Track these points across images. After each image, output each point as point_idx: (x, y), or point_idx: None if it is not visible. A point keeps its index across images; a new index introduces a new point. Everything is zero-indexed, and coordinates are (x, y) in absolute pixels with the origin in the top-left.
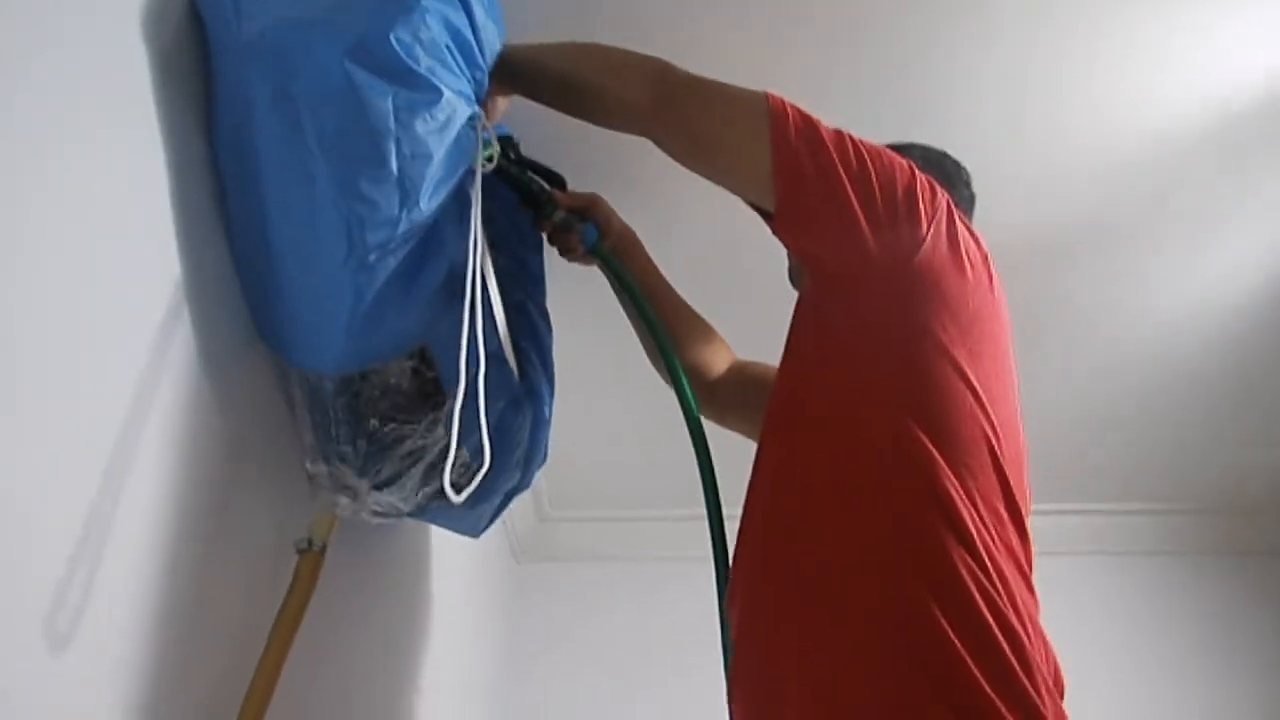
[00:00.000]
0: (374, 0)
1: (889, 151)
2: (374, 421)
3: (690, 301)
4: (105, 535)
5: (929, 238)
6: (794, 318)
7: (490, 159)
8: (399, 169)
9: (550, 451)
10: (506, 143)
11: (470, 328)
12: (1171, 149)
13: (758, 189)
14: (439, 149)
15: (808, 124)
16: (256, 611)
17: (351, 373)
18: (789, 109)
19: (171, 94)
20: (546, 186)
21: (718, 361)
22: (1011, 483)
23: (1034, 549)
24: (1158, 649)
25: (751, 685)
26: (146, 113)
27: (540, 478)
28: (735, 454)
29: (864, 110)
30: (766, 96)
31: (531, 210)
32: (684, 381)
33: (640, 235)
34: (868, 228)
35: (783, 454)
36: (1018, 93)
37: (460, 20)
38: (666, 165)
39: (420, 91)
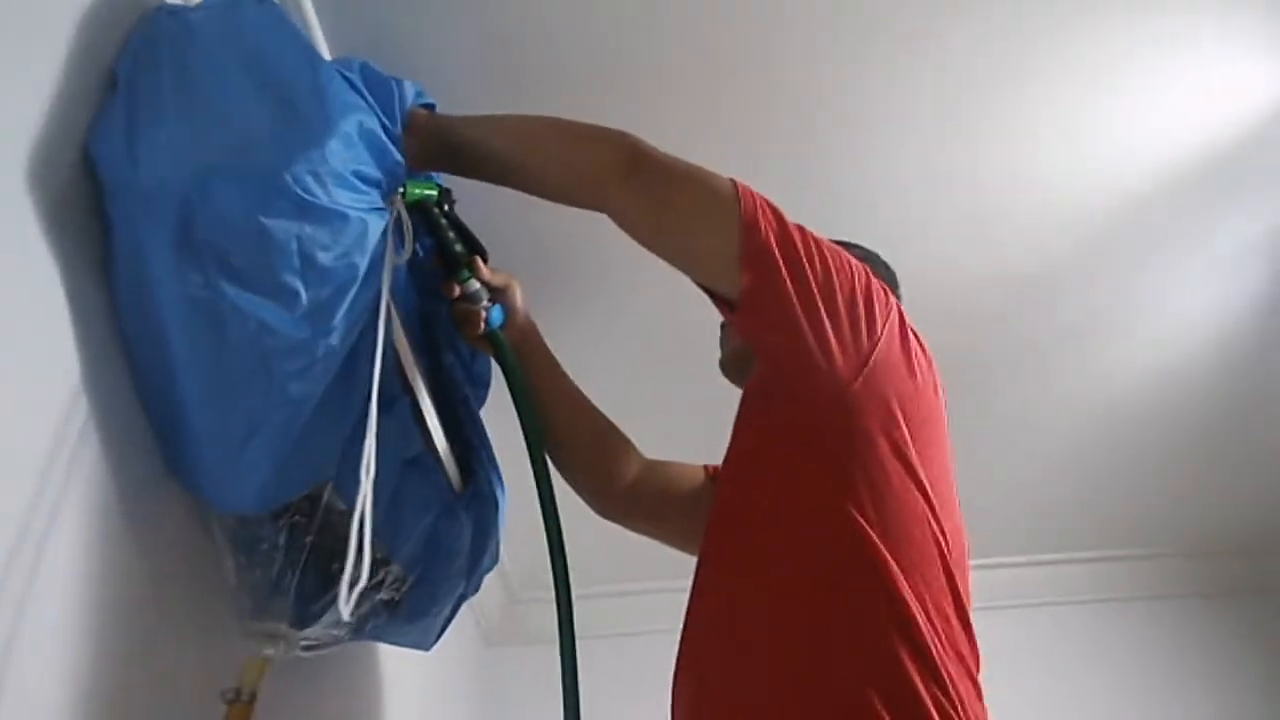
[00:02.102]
0: (271, 139)
1: (844, 252)
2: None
3: (634, 389)
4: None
5: (883, 341)
6: (741, 410)
7: (411, 249)
8: (309, 300)
9: (516, 534)
10: (442, 194)
11: (371, 434)
12: (1137, 188)
13: (719, 275)
14: (354, 270)
15: (778, 218)
16: None
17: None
18: (758, 199)
19: (65, 242)
20: (465, 251)
21: (628, 467)
22: (959, 586)
23: (1004, 602)
24: (1138, 693)
25: None
26: (39, 262)
27: (507, 560)
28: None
29: (800, 159)
30: (734, 183)
31: (444, 269)
32: (548, 480)
33: (578, 322)
34: (830, 328)
35: (731, 551)
36: (986, 135)
37: (370, 122)
38: (611, 252)
39: (325, 223)
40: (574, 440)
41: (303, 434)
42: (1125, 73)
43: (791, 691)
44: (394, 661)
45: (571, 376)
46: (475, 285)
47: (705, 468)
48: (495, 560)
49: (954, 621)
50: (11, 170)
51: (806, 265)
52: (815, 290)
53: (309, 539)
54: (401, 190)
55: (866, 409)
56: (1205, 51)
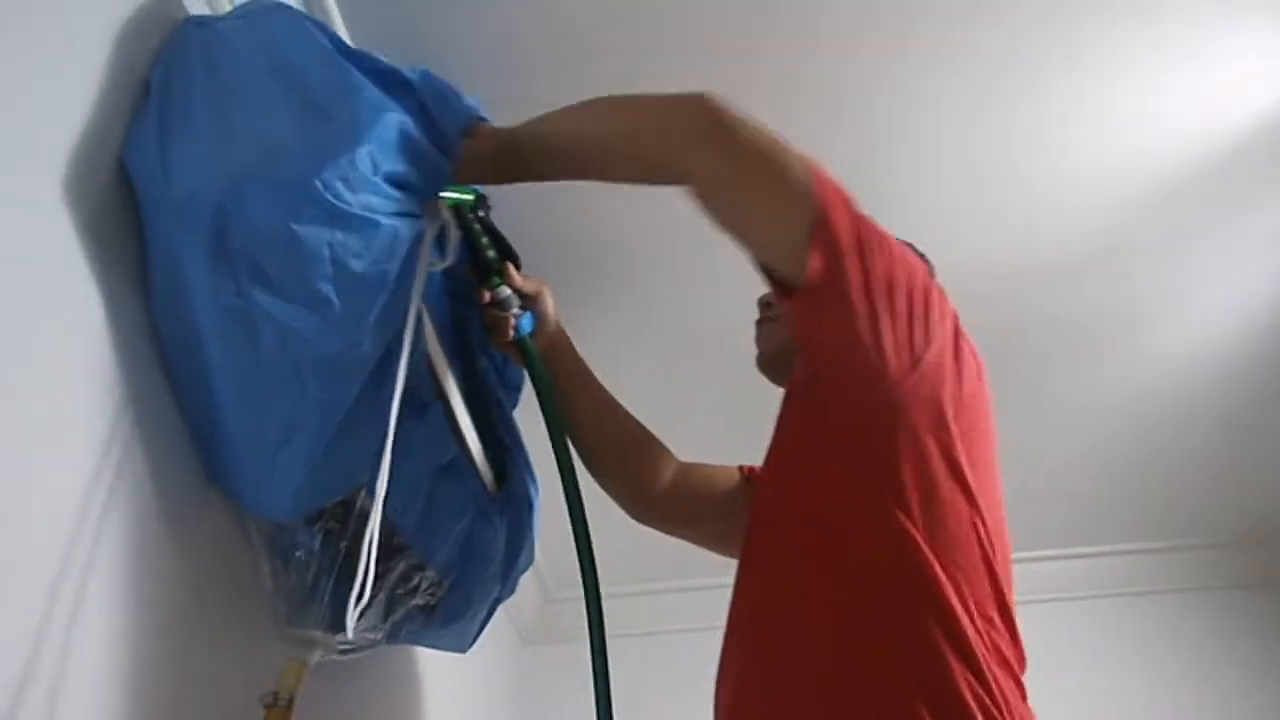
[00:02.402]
0: (302, 146)
1: (908, 251)
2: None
3: (663, 391)
4: (54, 692)
5: (936, 343)
6: (784, 408)
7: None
8: (342, 307)
9: (550, 535)
10: (478, 200)
11: (389, 439)
12: (1170, 177)
13: (783, 257)
14: (386, 276)
15: (850, 208)
16: None
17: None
18: (834, 186)
19: (103, 252)
20: (497, 257)
21: (662, 471)
22: (1003, 588)
23: (1039, 596)
24: (1177, 685)
25: None
26: (77, 272)
27: (541, 559)
28: None
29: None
30: (812, 165)
31: (476, 275)
32: (575, 483)
33: (606, 324)
34: (887, 326)
35: (774, 552)
36: (1004, 123)
37: (406, 125)
38: (640, 254)
39: (357, 230)
40: (607, 447)
41: (336, 440)
42: (1157, 61)
43: (832, 692)
44: (431, 663)
45: (601, 379)
46: (506, 292)
47: (740, 468)
48: (530, 561)
49: (998, 623)
50: (49, 182)
51: (873, 260)
52: (878, 286)
53: (343, 544)
54: (439, 194)
55: (915, 409)
56: (1234, 40)
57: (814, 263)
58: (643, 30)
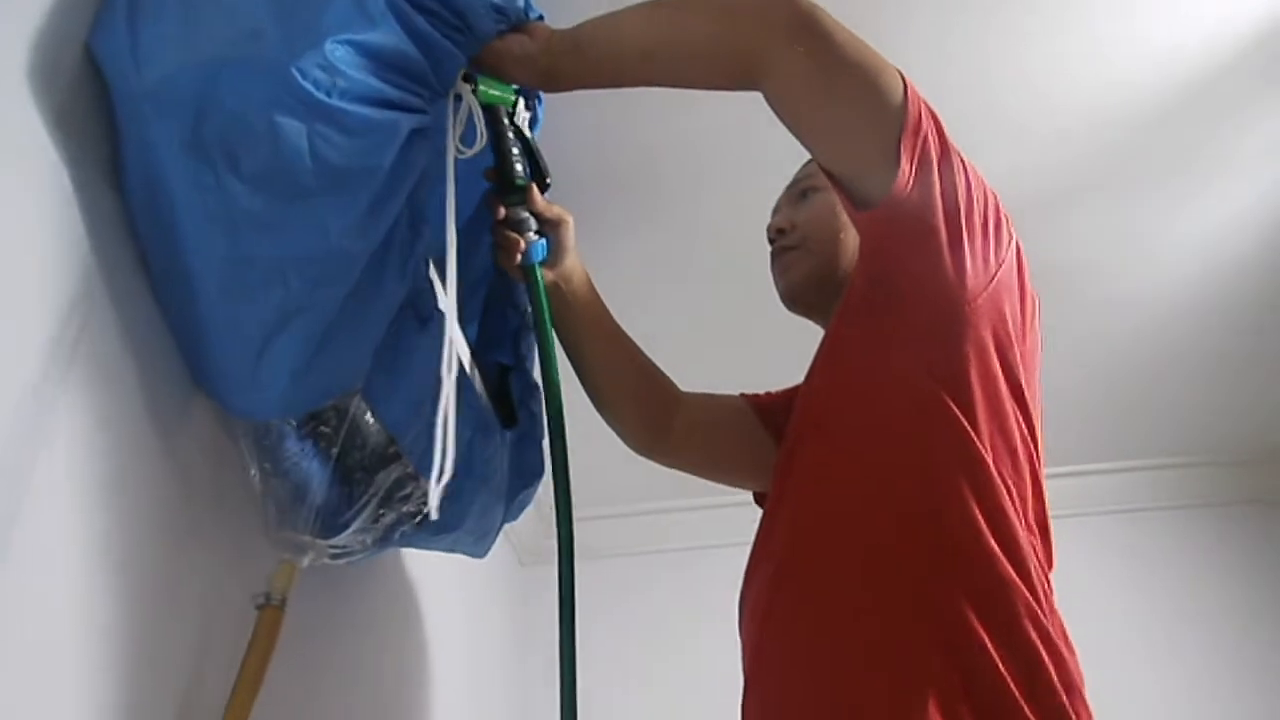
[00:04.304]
0: (278, 28)
1: (977, 170)
2: (358, 474)
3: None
4: (45, 607)
5: (1006, 263)
6: (840, 319)
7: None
8: (324, 202)
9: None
10: (517, 103)
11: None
12: (1159, 100)
13: (864, 169)
14: (375, 171)
15: (938, 125)
16: (225, 671)
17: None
18: (922, 101)
19: (72, 143)
20: (523, 172)
21: (670, 408)
22: (1045, 501)
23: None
24: (1183, 603)
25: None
26: (46, 165)
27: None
28: None
29: None
30: (903, 77)
31: (496, 185)
32: (559, 410)
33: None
34: (966, 244)
35: (829, 458)
36: (1010, 37)
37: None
38: (665, 176)
39: (336, 122)
40: (618, 385)
41: (323, 343)
42: None
43: (878, 590)
44: (429, 581)
45: (624, 305)
46: (524, 213)
47: (743, 395)
48: (538, 478)
49: (1037, 533)
50: (12, 71)
51: (957, 175)
52: (960, 204)
53: (334, 450)
54: (473, 85)
55: (985, 323)
56: None
57: (902, 176)
58: None
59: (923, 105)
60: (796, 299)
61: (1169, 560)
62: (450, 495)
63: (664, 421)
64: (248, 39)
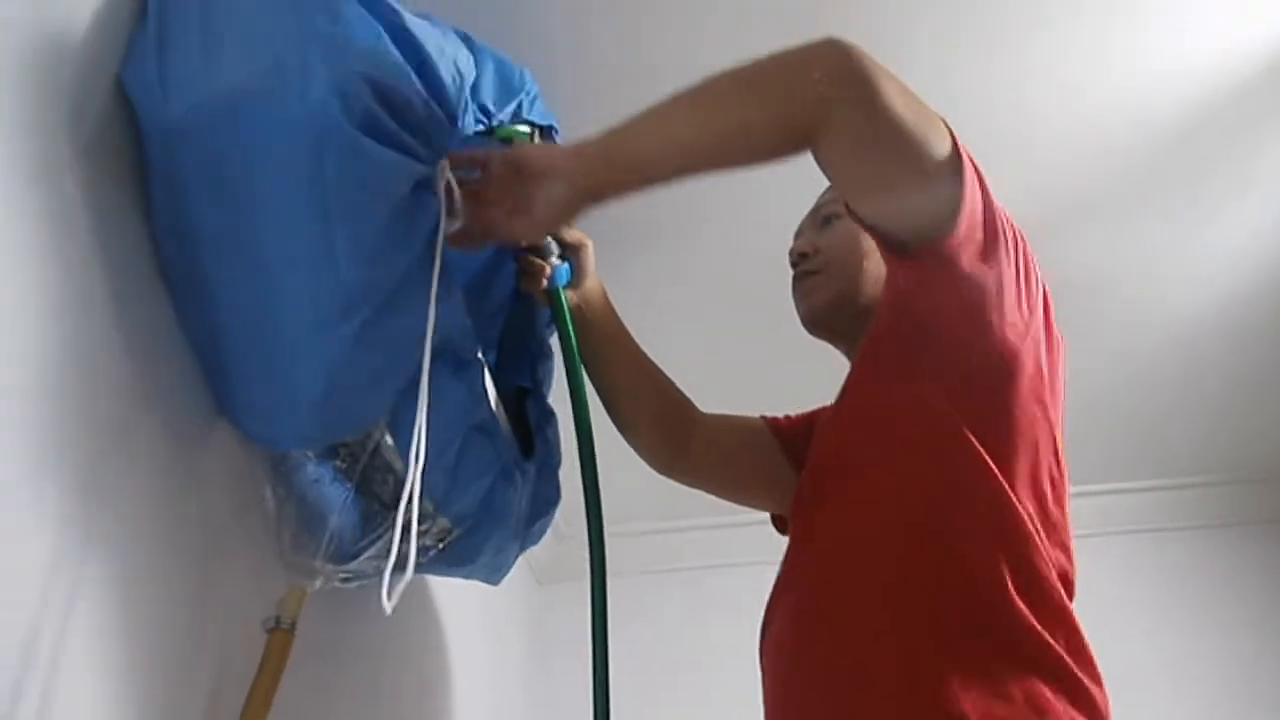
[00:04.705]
0: (297, 63)
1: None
2: (374, 504)
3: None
4: (64, 626)
5: (1036, 308)
6: (866, 358)
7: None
8: (343, 233)
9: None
10: (533, 134)
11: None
12: (1175, 120)
13: (912, 225)
14: (386, 205)
15: (981, 178)
16: (237, 693)
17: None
18: (968, 153)
19: (101, 174)
20: None
21: (690, 428)
22: (1070, 544)
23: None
24: (1202, 622)
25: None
26: (74, 194)
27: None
28: None
29: None
30: (951, 132)
31: None
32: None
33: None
34: (1011, 291)
35: (857, 495)
36: (1020, 52)
37: (418, 66)
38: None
39: (358, 158)
40: (639, 406)
41: (344, 376)
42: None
43: (905, 639)
44: (444, 599)
45: (631, 326)
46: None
47: (763, 417)
48: (554, 506)
49: (1069, 567)
50: (46, 101)
51: (999, 226)
52: (1002, 257)
53: (354, 479)
54: (493, 127)
55: (1018, 369)
56: None
57: (950, 231)
58: None
59: (968, 157)
60: (819, 323)
61: (1188, 580)
62: (466, 534)
63: (683, 441)
64: (269, 71)
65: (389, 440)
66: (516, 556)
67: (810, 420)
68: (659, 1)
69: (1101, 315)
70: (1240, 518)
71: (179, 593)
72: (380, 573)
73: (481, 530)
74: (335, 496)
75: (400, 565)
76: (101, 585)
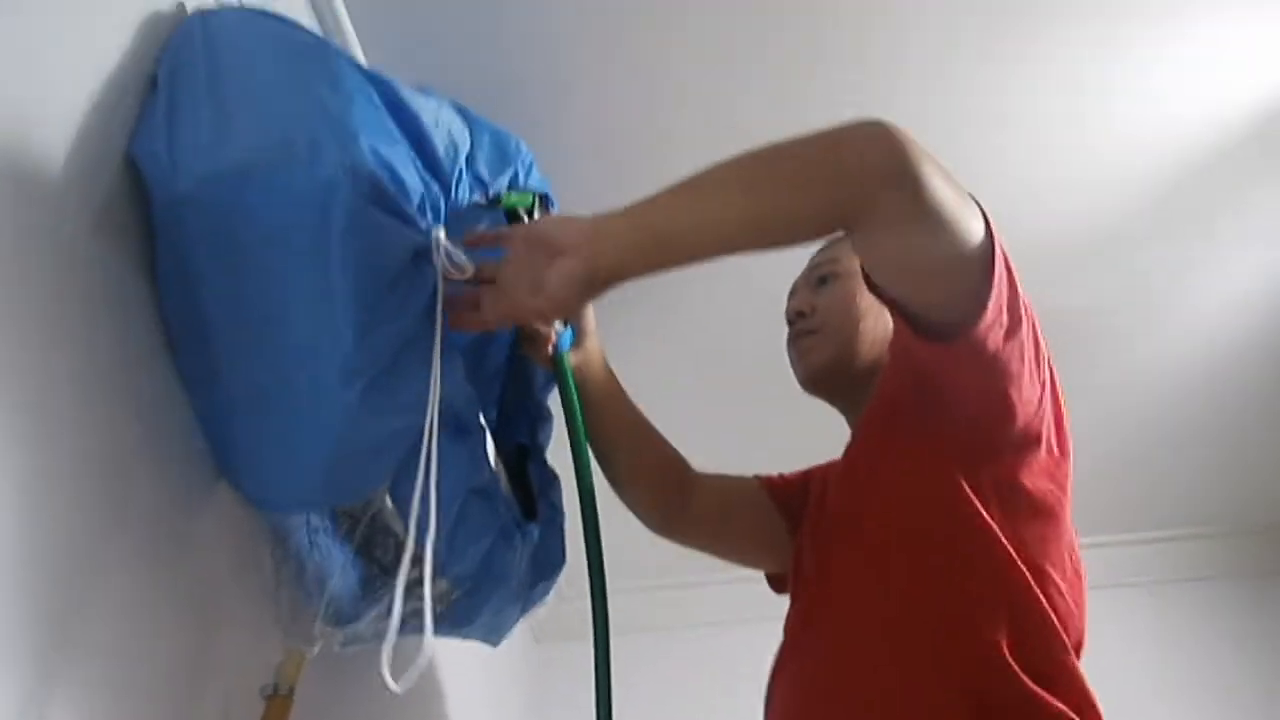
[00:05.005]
0: (305, 137)
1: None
2: (374, 568)
3: (674, 402)
4: (51, 694)
5: (1048, 378)
6: (871, 425)
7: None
8: (354, 310)
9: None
10: (535, 201)
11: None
12: (1184, 161)
13: (940, 305)
14: (382, 280)
15: (1007, 258)
16: None
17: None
18: (995, 233)
19: (111, 245)
20: None
21: (688, 489)
22: (1083, 603)
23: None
24: (1207, 675)
25: None
26: (85, 263)
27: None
28: None
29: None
30: (984, 212)
31: None
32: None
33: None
34: (1028, 374)
35: (865, 564)
36: (1032, 100)
37: (415, 137)
38: None
39: (365, 229)
40: (634, 465)
41: (348, 444)
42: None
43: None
44: (442, 658)
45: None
46: None
47: (757, 477)
48: (559, 570)
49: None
50: (55, 173)
51: (1022, 317)
52: (1024, 337)
53: (354, 543)
54: (497, 196)
55: (1029, 445)
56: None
57: (980, 314)
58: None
59: (998, 242)
60: (817, 383)
61: (1195, 631)
62: (465, 595)
63: (679, 501)
64: (279, 145)
65: (389, 504)
66: (518, 618)
67: (805, 479)
68: (640, 74)
69: (1101, 366)
70: (1246, 570)
71: (176, 658)
72: (382, 636)
73: (481, 592)
74: (335, 559)
75: (406, 630)
76: (96, 651)
